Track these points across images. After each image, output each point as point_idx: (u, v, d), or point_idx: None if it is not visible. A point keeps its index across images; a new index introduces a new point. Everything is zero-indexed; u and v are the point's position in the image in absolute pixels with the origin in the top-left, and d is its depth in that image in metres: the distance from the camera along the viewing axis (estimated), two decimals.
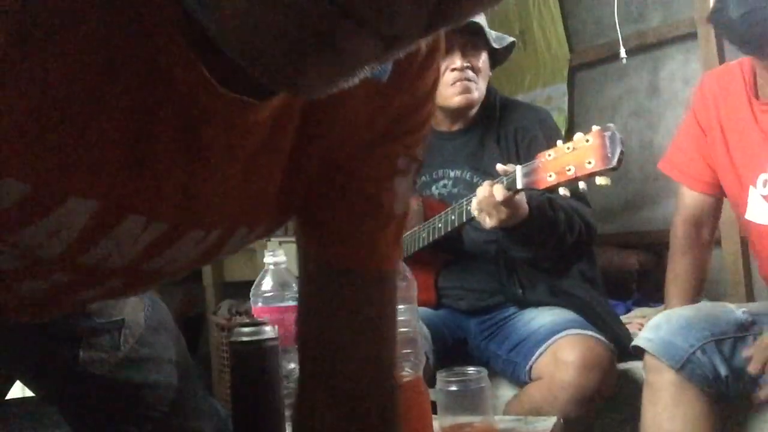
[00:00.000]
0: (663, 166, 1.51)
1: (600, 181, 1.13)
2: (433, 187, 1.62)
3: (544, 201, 1.37)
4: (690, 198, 1.45)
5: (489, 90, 1.65)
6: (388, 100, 0.58)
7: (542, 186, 1.20)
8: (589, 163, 1.11)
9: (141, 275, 0.60)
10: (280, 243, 2.96)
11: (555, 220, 1.37)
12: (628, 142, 2.75)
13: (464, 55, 1.54)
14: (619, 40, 2.55)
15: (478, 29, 1.51)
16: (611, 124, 1.12)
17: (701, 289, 1.48)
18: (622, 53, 2.56)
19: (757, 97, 1.28)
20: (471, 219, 1.35)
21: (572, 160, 1.14)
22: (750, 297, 2.04)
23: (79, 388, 0.89)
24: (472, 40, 1.53)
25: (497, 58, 1.64)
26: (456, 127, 1.64)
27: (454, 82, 1.56)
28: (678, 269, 1.47)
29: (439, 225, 1.47)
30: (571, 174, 1.14)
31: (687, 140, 1.44)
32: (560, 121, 2.67)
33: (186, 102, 0.47)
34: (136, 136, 0.47)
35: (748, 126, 1.29)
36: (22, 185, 0.45)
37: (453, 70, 1.55)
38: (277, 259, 1.09)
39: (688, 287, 1.45)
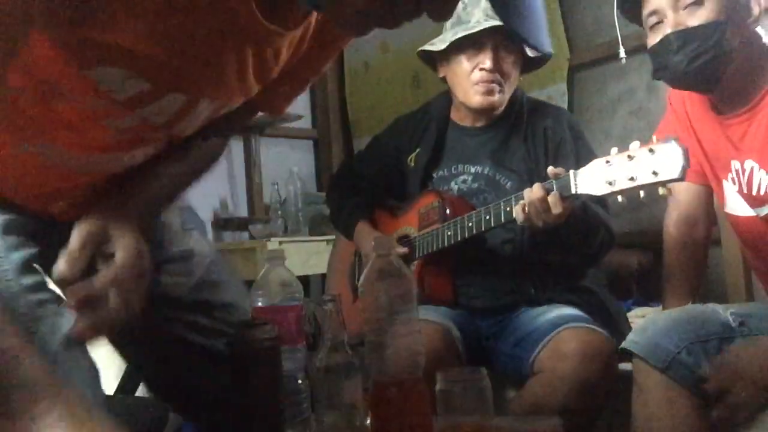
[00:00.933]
0: None
1: (662, 191, 1.13)
2: (452, 182, 1.60)
3: (579, 207, 1.36)
4: (680, 191, 1.45)
5: (516, 89, 1.64)
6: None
7: (600, 193, 1.20)
8: (655, 173, 1.11)
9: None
10: (280, 243, 2.96)
11: (587, 226, 1.37)
12: (627, 142, 2.75)
13: (496, 56, 1.53)
14: (618, 40, 2.55)
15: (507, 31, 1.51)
16: (673, 136, 1.12)
17: (699, 287, 1.48)
18: (622, 53, 2.55)
19: (720, 112, 1.29)
20: (511, 221, 1.33)
21: (635, 169, 1.13)
22: (750, 297, 2.04)
23: (163, 312, 1.03)
24: (506, 42, 1.51)
25: (531, 64, 1.62)
26: (479, 123, 1.63)
27: (478, 82, 1.55)
28: (674, 268, 1.47)
29: (470, 224, 1.44)
30: (634, 183, 1.14)
31: (668, 133, 1.44)
32: None
33: (244, 30, 0.77)
34: (213, 52, 0.78)
35: (715, 132, 1.31)
36: (145, 83, 0.77)
37: (481, 69, 1.54)
38: (277, 259, 1.09)
39: (685, 286, 1.45)
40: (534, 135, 1.56)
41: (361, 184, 1.80)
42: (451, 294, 1.53)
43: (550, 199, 1.25)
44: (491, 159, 1.56)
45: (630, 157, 1.15)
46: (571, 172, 1.24)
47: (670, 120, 1.46)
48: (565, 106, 2.81)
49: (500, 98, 1.56)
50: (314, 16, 0.87)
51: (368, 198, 1.77)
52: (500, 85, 1.55)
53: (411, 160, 1.68)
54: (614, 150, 1.18)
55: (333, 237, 1.96)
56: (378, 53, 3.59)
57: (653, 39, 1.26)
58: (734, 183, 1.30)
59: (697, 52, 1.19)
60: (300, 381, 1.04)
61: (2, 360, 0.55)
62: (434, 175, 1.63)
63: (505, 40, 1.52)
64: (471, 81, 1.56)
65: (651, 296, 2.40)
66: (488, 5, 1.59)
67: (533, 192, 1.27)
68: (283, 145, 3.67)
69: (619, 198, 1.19)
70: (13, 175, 0.90)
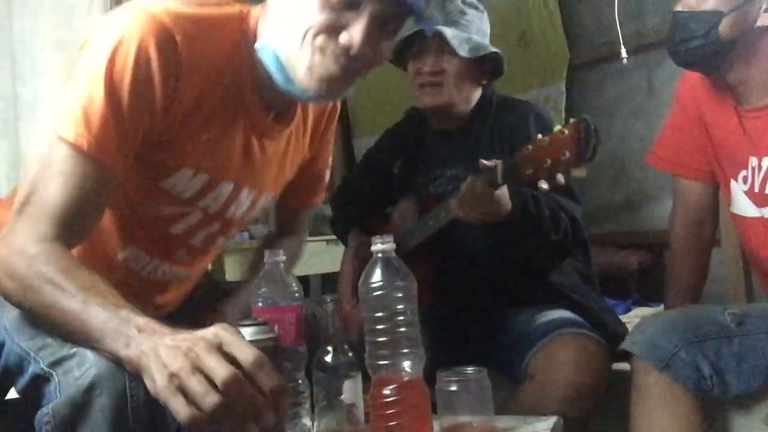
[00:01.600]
0: (652, 160, 1.50)
1: (576, 173, 1.12)
2: (430, 187, 1.63)
3: (528, 198, 1.36)
4: (687, 190, 1.44)
5: (486, 89, 1.65)
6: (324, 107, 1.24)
7: (520, 179, 1.19)
8: (564, 154, 1.10)
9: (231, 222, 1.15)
10: None
11: (539, 216, 1.37)
12: (627, 142, 2.76)
13: (436, 59, 1.56)
14: (619, 39, 2.56)
15: (442, 36, 1.52)
16: (587, 116, 1.11)
17: (701, 288, 1.47)
18: (623, 53, 2.56)
19: (740, 103, 1.29)
20: (456, 215, 1.35)
21: (549, 152, 1.13)
22: (750, 296, 2.04)
23: None
24: (442, 45, 1.54)
25: (493, 64, 1.63)
26: (451, 126, 1.64)
27: (419, 85, 1.59)
28: (679, 270, 1.46)
29: (431, 222, 1.48)
30: (547, 166, 1.13)
31: (676, 130, 1.44)
32: (559, 120, 2.67)
33: (255, 126, 1.06)
34: (242, 146, 1.05)
35: (731, 126, 1.30)
36: (204, 175, 1.03)
37: (419, 73, 1.58)
38: (277, 259, 1.09)
39: (688, 286, 1.45)
40: (501, 133, 1.57)
41: (356, 196, 1.87)
42: (431, 294, 1.54)
43: (477, 189, 1.26)
44: (464, 160, 1.57)
45: (547, 141, 1.14)
46: (499, 162, 1.24)
47: (677, 116, 1.44)
48: (563, 105, 2.82)
49: (446, 98, 1.58)
50: (310, 119, 1.20)
51: (363, 208, 1.82)
52: (440, 85, 1.57)
53: (396, 168, 1.72)
54: (539, 136, 1.17)
55: (333, 237, 1.99)
56: None
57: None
58: (745, 182, 1.29)
59: (684, 36, 1.25)
60: (300, 381, 1.04)
61: None
62: (415, 180, 1.66)
63: (442, 44, 1.54)
64: (414, 85, 1.60)
65: (651, 296, 2.40)
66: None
67: (464, 185, 1.29)
68: None
69: (543, 184, 1.17)
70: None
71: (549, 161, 1.12)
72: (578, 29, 2.86)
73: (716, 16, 1.20)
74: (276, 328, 0.96)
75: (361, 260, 1.69)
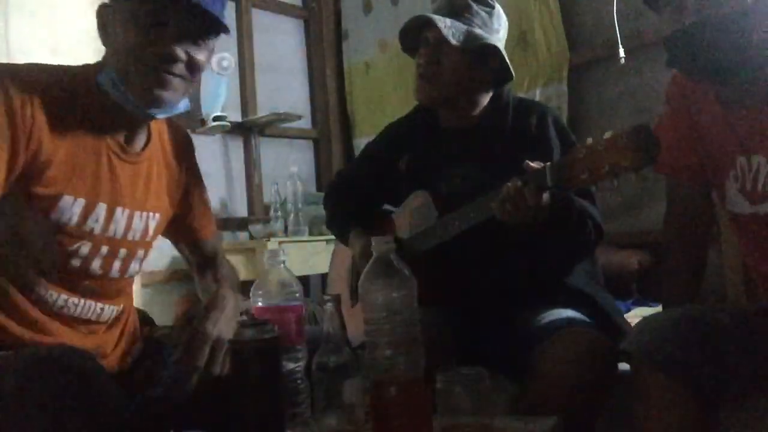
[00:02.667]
0: None
1: (634, 178, 1.13)
2: (442, 184, 1.60)
3: (563, 200, 1.36)
4: (679, 190, 1.44)
5: (501, 90, 1.64)
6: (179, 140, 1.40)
7: (575, 184, 1.19)
8: (625, 160, 1.11)
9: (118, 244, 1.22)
10: (280, 243, 2.96)
11: (569, 219, 1.37)
12: None
13: (434, 51, 1.55)
14: (618, 39, 2.56)
15: (432, 25, 1.52)
16: (647, 123, 1.12)
17: (699, 287, 1.47)
18: (621, 53, 2.56)
19: (726, 102, 1.29)
20: (493, 217, 1.34)
21: (607, 158, 1.13)
22: (749, 297, 2.04)
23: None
24: (441, 37, 1.53)
25: (500, 62, 1.61)
26: (463, 125, 1.63)
27: (417, 76, 1.58)
28: (673, 269, 1.46)
29: (456, 222, 1.45)
30: (606, 171, 1.13)
31: (667, 131, 1.43)
32: None
33: (111, 147, 1.19)
34: (107, 169, 1.18)
35: (719, 126, 1.30)
36: (82, 200, 1.14)
37: (419, 64, 1.58)
38: (277, 259, 1.09)
39: (685, 286, 1.44)
40: (519, 133, 1.56)
41: (355, 191, 1.81)
42: (445, 294, 1.53)
43: (526, 192, 1.25)
44: (479, 159, 1.56)
45: (603, 146, 1.14)
46: (547, 164, 1.24)
47: (667, 117, 1.44)
48: (565, 106, 2.82)
49: (440, 92, 1.57)
50: (169, 149, 1.34)
51: (362, 204, 1.79)
52: (436, 78, 1.55)
53: (402, 164, 1.69)
54: (589, 140, 1.18)
55: (333, 237, 1.96)
56: (377, 52, 3.60)
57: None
58: (736, 180, 1.29)
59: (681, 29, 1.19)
60: (300, 381, 1.04)
61: None
62: (424, 178, 1.64)
63: (437, 35, 1.53)
64: (416, 75, 1.59)
65: (651, 296, 2.40)
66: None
67: (509, 186, 1.27)
68: (283, 145, 3.67)
69: (593, 188, 1.18)
70: None
71: (607, 167, 1.12)
72: (578, 29, 2.86)
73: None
74: (276, 328, 0.96)
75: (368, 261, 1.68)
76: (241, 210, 3.40)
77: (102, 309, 1.23)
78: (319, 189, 3.68)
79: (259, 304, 1.07)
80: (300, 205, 3.24)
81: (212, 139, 3.29)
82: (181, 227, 1.42)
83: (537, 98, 2.89)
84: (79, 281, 1.18)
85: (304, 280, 3.38)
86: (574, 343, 1.31)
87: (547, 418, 1.08)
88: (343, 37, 3.80)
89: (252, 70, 3.48)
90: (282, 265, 1.09)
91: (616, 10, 2.57)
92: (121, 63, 1.12)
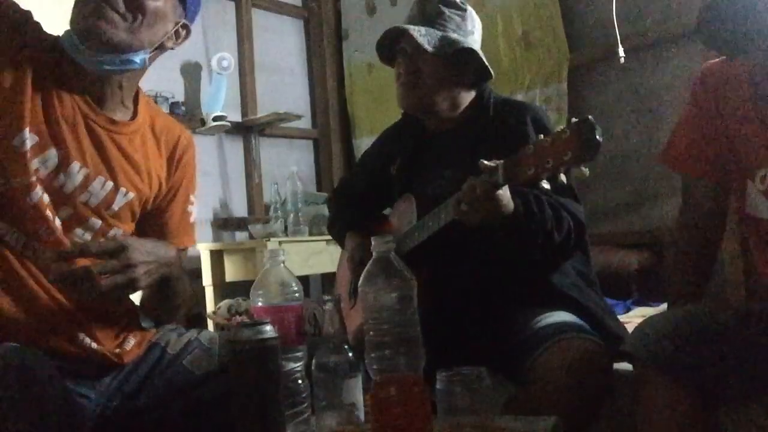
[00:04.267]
0: (666, 160, 1.48)
1: (577, 173, 1.12)
2: (428, 187, 1.62)
3: (530, 198, 1.36)
4: (697, 189, 1.41)
5: (483, 90, 1.65)
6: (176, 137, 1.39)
7: (522, 179, 1.19)
8: (567, 154, 1.10)
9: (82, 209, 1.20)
10: (280, 243, 2.96)
11: (542, 216, 1.37)
12: (627, 142, 2.76)
13: (412, 60, 1.57)
14: (618, 39, 2.56)
15: (407, 35, 1.54)
16: (589, 116, 1.11)
17: (704, 289, 1.46)
18: (621, 53, 2.56)
19: (761, 100, 1.27)
20: (455, 216, 1.35)
21: (551, 152, 1.13)
22: (750, 296, 2.04)
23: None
24: (418, 46, 1.54)
25: (479, 64, 1.62)
26: (446, 128, 1.64)
27: (398, 86, 1.61)
28: (683, 270, 1.43)
29: (430, 223, 1.47)
30: (549, 166, 1.13)
31: (688, 128, 1.41)
32: (560, 121, 2.67)
33: (80, 110, 1.20)
34: (71, 125, 1.19)
35: (750, 123, 1.28)
36: (36, 137, 1.14)
37: (399, 74, 1.61)
38: (277, 259, 1.09)
39: (692, 289, 1.43)
40: (499, 134, 1.57)
41: (354, 197, 1.86)
42: (432, 295, 1.53)
43: (478, 190, 1.25)
44: (462, 162, 1.56)
45: (549, 142, 1.14)
46: (500, 162, 1.24)
47: (690, 113, 1.41)
48: (565, 106, 2.82)
49: (420, 99, 1.59)
50: (163, 141, 1.33)
51: (360, 209, 1.82)
52: (416, 86, 1.58)
53: (393, 169, 1.72)
54: (541, 136, 1.17)
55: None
56: None
57: None
58: (762, 182, 1.27)
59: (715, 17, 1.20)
60: (300, 381, 1.04)
61: None
62: (413, 181, 1.66)
63: (413, 45, 1.56)
64: (396, 85, 1.62)
65: (651, 296, 2.40)
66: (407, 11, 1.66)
67: (465, 186, 1.28)
68: (283, 145, 3.67)
69: (545, 184, 1.17)
70: None
71: (551, 161, 1.12)
72: (578, 29, 2.86)
73: None
74: (276, 328, 0.96)
75: (358, 262, 1.69)
76: (240, 210, 3.40)
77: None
78: (319, 189, 3.69)
79: (259, 304, 1.07)
80: (300, 205, 3.24)
81: (212, 139, 3.30)
82: (153, 226, 1.34)
83: (537, 98, 2.89)
84: (37, 224, 1.15)
85: (304, 280, 3.38)
86: (570, 350, 1.31)
87: (547, 418, 1.08)
88: (343, 37, 3.80)
89: (252, 70, 3.48)
90: (282, 265, 1.08)
91: (616, 10, 2.57)
92: (73, 14, 1.15)
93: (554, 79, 2.87)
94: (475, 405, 0.96)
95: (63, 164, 1.16)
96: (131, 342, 1.27)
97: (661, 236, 2.47)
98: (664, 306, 1.95)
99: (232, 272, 3.00)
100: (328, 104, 3.80)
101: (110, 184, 1.22)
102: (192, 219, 1.42)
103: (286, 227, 3.19)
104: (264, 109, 3.45)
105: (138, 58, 1.19)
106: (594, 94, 2.82)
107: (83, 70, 1.19)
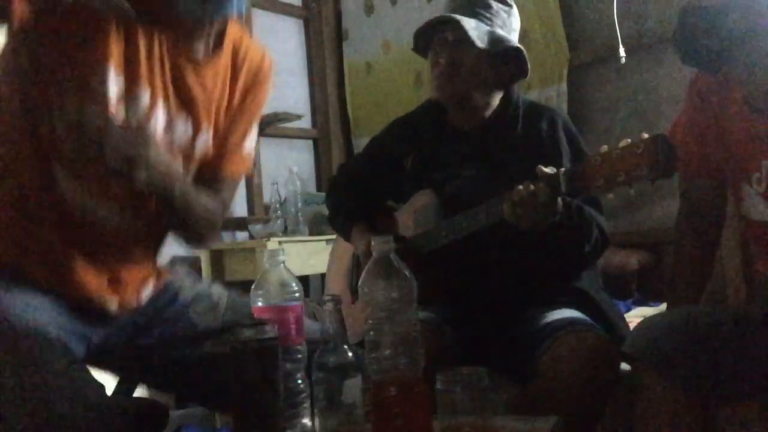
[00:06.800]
0: None
1: (650, 187, 1.14)
2: (447, 184, 1.59)
3: (572, 207, 1.36)
4: (695, 189, 1.42)
5: (511, 91, 1.63)
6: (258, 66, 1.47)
7: (587, 189, 1.20)
8: (642, 170, 1.11)
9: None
10: (280, 243, 2.96)
11: (580, 227, 1.37)
12: None
13: (454, 51, 1.54)
14: (618, 39, 2.56)
15: (461, 27, 1.50)
16: (662, 134, 1.12)
17: (704, 289, 1.46)
18: (621, 53, 2.56)
19: (752, 104, 1.27)
20: (503, 220, 1.33)
21: (622, 166, 1.14)
22: (749, 297, 2.04)
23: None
24: (461, 37, 1.52)
25: (517, 64, 1.61)
26: (472, 125, 1.62)
27: (434, 76, 1.57)
28: (684, 270, 1.43)
29: (463, 224, 1.44)
30: (620, 180, 1.14)
31: (686, 129, 1.41)
32: None
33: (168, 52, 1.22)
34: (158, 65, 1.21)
35: (743, 128, 1.29)
36: (121, 78, 1.16)
37: (437, 64, 1.56)
38: (277, 258, 1.09)
39: (692, 289, 1.43)
40: (529, 137, 1.55)
41: (359, 186, 1.78)
42: (448, 294, 1.52)
43: (539, 196, 1.25)
44: (486, 161, 1.55)
45: (619, 154, 1.15)
46: (561, 170, 1.24)
47: (687, 114, 1.41)
48: (565, 106, 2.82)
49: (459, 92, 1.56)
50: (243, 73, 1.39)
51: (366, 200, 1.77)
52: (455, 78, 1.54)
53: (407, 162, 1.68)
54: (604, 147, 1.18)
55: (333, 237, 1.95)
56: (380, 53, 3.59)
57: None
58: (758, 184, 1.27)
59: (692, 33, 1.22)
60: (300, 381, 1.04)
61: None
62: (430, 177, 1.63)
63: (464, 35, 1.51)
64: (432, 75, 1.58)
65: (651, 296, 2.40)
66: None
67: (522, 190, 1.27)
68: (283, 145, 3.67)
69: (610, 195, 1.19)
70: None
71: (623, 175, 1.13)
72: (578, 29, 2.86)
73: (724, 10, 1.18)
74: (276, 328, 0.96)
75: (360, 257, 1.68)
76: (240, 210, 3.40)
77: (125, 222, 1.22)
78: (319, 189, 3.68)
79: (259, 304, 1.07)
80: (300, 205, 3.23)
81: None
82: (213, 139, 1.33)
83: (537, 98, 2.89)
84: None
85: (304, 280, 3.38)
86: (577, 344, 1.31)
87: (547, 418, 1.08)
88: (343, 37, 3.80)
89: None
90: (282, 265, 1.09)
91: (616, 10, 2.57)
92: None
93: (554, 79, 2.87)
94: (475, 405, 0.96)
95: (150, 106, 1.18)
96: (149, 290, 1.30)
97: (661, 236, 2.47)
98: (664, 306, 1.94)
99: (232, 272, 3.00)
100: (328, 104, 3.79)
101: (190, 125, 1.25)
102: (250, 147, 1.41)
103: (285, 227, 3.19)
104: (264, 108, 3.44)
105: (239, 3, 1.26)
106: (594, 94, 2.82)
107: (178, 17, 1.20)
